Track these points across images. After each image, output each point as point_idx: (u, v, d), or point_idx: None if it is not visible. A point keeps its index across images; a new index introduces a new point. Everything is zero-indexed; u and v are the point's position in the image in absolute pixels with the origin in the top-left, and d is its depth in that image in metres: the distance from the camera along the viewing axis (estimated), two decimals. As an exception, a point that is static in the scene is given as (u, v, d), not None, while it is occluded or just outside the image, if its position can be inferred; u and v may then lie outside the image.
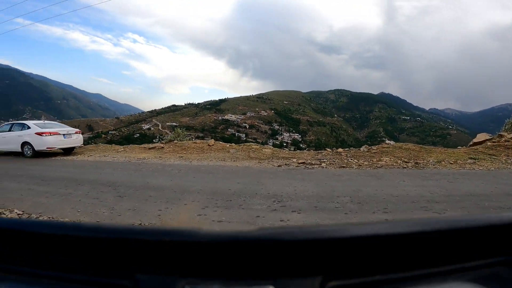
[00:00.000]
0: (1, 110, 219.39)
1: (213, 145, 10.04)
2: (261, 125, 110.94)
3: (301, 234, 0.42)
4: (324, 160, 7.18)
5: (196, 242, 0.41)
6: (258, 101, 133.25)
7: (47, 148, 8.64)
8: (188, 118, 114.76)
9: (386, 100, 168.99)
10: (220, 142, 10.59)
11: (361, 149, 8.27)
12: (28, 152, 8.72)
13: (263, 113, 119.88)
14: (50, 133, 8.69)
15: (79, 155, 9.37)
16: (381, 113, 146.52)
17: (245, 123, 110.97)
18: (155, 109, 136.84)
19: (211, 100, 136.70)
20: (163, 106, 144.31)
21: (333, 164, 6.78)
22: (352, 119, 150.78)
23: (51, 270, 0.45)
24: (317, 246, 0.41)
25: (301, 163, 6.94)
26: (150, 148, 10.48)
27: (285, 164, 6.87)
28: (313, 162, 6.97)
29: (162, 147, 10.38)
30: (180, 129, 12.36)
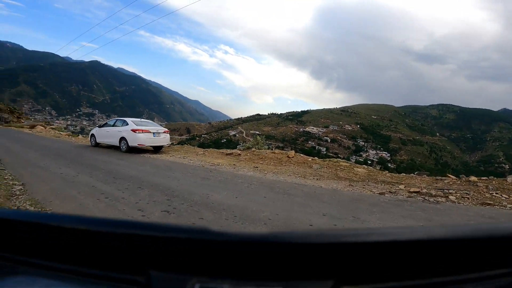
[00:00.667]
0: (128, 111, 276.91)
1: (293, 157, 8.84)
2: (344, 140, 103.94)
3: (314, 237, 0.41)
4: (451, 191, 5.04)
5: (210, 241, 0.41)
6: (343, 114, 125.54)
7: (138, 144, 9.19)
8: (270, 128, 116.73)
9: (510, 119, 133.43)
10: (301, 155, 9.30)
11: (509, 179, 5.70)
12: (123, 147, 9.47)
13: (347, 127, 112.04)
14: (142, 131, 9.23)
15: (163, 154, 9.69)
16: (502, 133, 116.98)
17: (326, 136, 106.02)
18: (241, 117, 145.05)
19: (293, 111, 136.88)
20: (248, 115, 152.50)
21: (467, 198, 4.68)
22: (460, 140, 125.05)
23: (66, 263, 0.46)
24: (329, 249, 0.40)
25: (415, 192, 5.02)
26: (227, 154, 10.10)
27: (390, 192, 5.08)
28: (434, 193, 4.94)
29: (239, 154, 9.82)
30: (260, 136, 11.63)
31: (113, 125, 10.28)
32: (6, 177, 4.57)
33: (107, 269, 0.44)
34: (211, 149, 11.52)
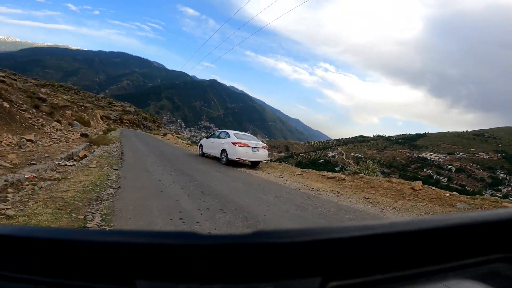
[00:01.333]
0: (237, 126, 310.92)
1: (420, 189, 6.65)
2: (476, 170, 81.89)
3: (299, 236, 0.42)
4: None
5: (195, 246, 0.41)
6: (476, 139, 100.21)
7: (236, 158, 9.08)
8: (375, 151, 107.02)
9: None
10: (433, 188, 6.92)
11: None
12: (223, 159, 9.58)
13: (483, 155, 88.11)
14: (242, 144, 9.09)
15: (260, 171, 9.26)
16: None
17: (450, 165, 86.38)
18: (341, 138, 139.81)
19: (405, 134, 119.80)
20: (350, 136, 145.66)
21: None
22: None
23: (50, 277, 0.44)
24: (315, 247, 0.41)
25: None
26: (329, 178, 8.74)
27: None
28: None
29: (343, 179, 8.29)
30: (372, 161, 9.70)
31: (218, 137, 10.65)
32: (110, 179, 4.83)
33: (92, 280, 0.42)
34: (309, 170, 10.40)
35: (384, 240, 0.43)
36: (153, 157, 9.04)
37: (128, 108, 56.81)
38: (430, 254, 0.44)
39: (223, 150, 9.63)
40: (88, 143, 10.82)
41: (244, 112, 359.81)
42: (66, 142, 10.52)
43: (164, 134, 31.51)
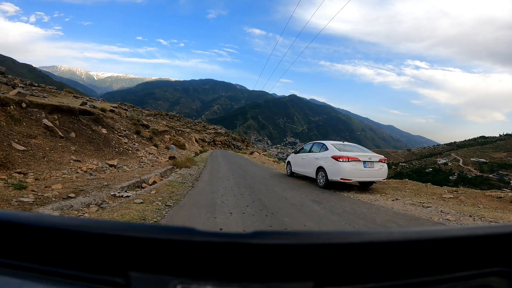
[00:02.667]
0: (322, 139, 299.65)
1: None
2: None
3: (295, 239, 0.42)
4: None
5: (191, 242, 0.41)
6: None
7: (341, 178, 6.38)
8: (505, 154, 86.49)
9: None
10: None
11: None
12: (320, 180, 7.04)
13: None
14: (348, 158, 6.37)
15: (378, 194, 6.25)
16: None
17: None
18: (454, 141, 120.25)
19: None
20: (467, 138, 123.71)
21: None
22: None
23: (43, 265, 0.44)
24: (310, 251, 0.41)
25: None
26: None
27: None
28: None
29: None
30: None
31: (310, 151, 8.23)
32: (170, 202, 4.09)
33: (85, 270, 0.43)
34: (464, 188, 6.66)
35: (380, 248, 0.43)
36: (232, 181, 7.33)
37: (219, 131, 61.21)
38: (425, 265, 0.44)
39: (320, 168, 7.12)
40: (172, 166, 10.18)
41: (328, 124, 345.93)
42: (152, 166, 10.12)
43: (251, 153, 31.17)
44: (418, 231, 0.47)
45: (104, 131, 12.24)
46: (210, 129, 62.13)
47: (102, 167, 8.16)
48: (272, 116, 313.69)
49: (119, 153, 10.88)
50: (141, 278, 0.40)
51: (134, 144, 13.77)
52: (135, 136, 16.66)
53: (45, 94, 18.71)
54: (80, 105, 17.77)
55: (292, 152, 10.13)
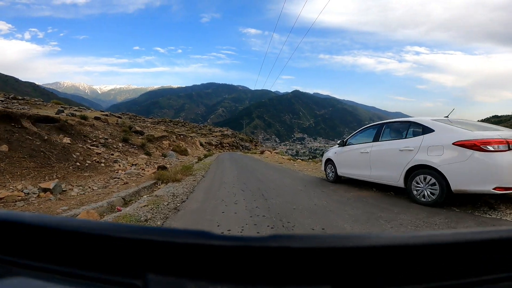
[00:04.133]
0: (330, 132, 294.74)
1: None
2: None
3: (312, 242, 0.41)
4: None
5: (207, 245, 0.41)
6: None
7: (497, 188, 2.89)
8: None
9: None
10: None
11: None
12: (425, 194, 3.57)
13: None
14: (509, 143, 2.89)
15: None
16: None
17: None
18: None
19: None
20: (479, 119, 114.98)
21: None
22: None
23: (64, 266, 0.45)
24: (327, 254, 0.40)
25: None
26: None
27: None
28: None
29: None
30: None
31: (377, 139, 4.79)
32: None
33: (104, 271, 0.44)
34: None
35: (398, 252, 0.42)
36: (242, 205, 3.96)
37: (226, 132, 58.51)
38: (448, 269, 0.43)
39: (416, 170, 3.73)
40: (155, 181, 6.84)
41: (335, 116, 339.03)
42: (125, 183, 6.79)
43: (262, 152, 27.67)
44: (441, 234, 0.44)
45: (66, 140, 9.02)
46: (216, 132, 59.56)
47: (27, 194, 4.88)
48: (278, 113, 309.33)
49: (79, 169, 7.60)
50: (158, 280, 0.40)
51: (112, 155, 10.50)
52: (120, 144, 13.44)
53: (27, 107, 15.87)
54: (56, 113, 14.79)
55: (336, 146, 6.61)
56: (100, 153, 9.62)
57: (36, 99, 23.18)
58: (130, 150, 13.49)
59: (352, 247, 0.41)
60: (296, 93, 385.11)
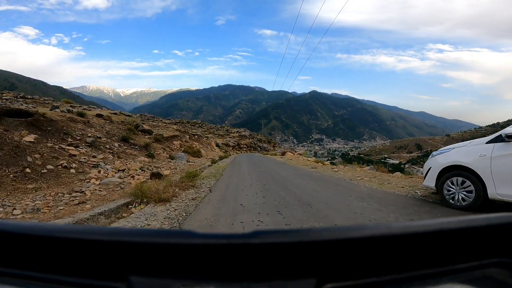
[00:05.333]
0: (349, 133, 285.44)
1: None
2: None
3: (295, 236, 0.42)
4: None
5: (190, 245, 0.41)
6: None
7: None
8: None
9: None
10: None
11: None
12: None
13: None
14: None
15: None
16: None
17: None
18: (498, 122, 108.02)
19: None
20: (510, 118, 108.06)
21: None
22: None
23: (43, 272, 0.44)
24: (311, 248, 0.41)
25: None
26: None
27: None
28: None
29: None
30: None
31: None
32: None
33: (86, 276, 0.43)
34: None
35: (381, 242, 0.42)
36: None
37: (243, 133, 56.36)
38: (426, 257, 0.44)
39: None
40: (128, 200, 4.19)
41: (354, 117, 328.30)
42: (81, 202, 4.19)
43: (283, 153, 24.68)
44: (418, 224, 0.45)
45: (29, 138, 6.62)
46: (233, 132, 57.47)
47: None
48: (295, 114, 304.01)
49: (26, 178, 5.09)
50: (142, 282, 0.40)
51: (94, 157, 8.03)
52: (115, 144, 11.06)
53: (32, 105, 14.15)
54: (50, 109, 12.80)
55: (471, 142, 3.72)
56: (75, 155, 7.15)
57: (46, 98, 21.82)
58: (127, 151, 11.08)
59: (334, 239, 0.41)
60: (313, 94, 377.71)
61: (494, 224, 0.46)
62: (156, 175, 6.94)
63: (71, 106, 18.07)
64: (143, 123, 21.21)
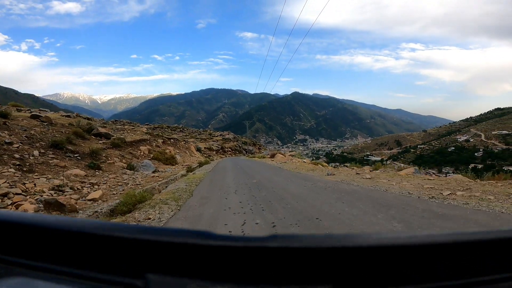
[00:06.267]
0: (332, 132, 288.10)
1: None
2: None
3: (313, 242, 0.41)
4: None
5: (206, 246, 0.41)
6: None
7: None
8: None
9: None
10: None
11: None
12: None
13: None
14: None
15: None
16: None
17: None
18: (471, 117, 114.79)
19: None
20: (481, 112, 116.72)
21: None
22: None
23: (63, 265, 0.45)
24: (329, 254, 0.40)
25: None
26: None
27: None
28: None
29: None
30: None
31: None
32: None
33: (104, 271, 0.43)
34: None
35: (400, 252, 0.42)
36: None
37: (227, 136, 53.24)
38: (449, 269, 0.43)
39: None
40: None
41: (336, 116, 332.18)
42: None
43: (272, 156, 21.49)
44: (443, 234, 0.44)
45: None
46: (216, 136, 53.97)
47: None
48: (278, 116, 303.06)
49: None
50: (159, 280, 0.40)
51: None
52: (35, 153, 7.47)
53: None
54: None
55: None
56: None
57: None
58: (53, 161, 7.49)
59: (352, 247, 0.41)
60: (295, 95, 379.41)
61: (505, 238, 0.45)
62: (54, 205, 3.55)
63: (17, 109, 14.36)
64: (104, 126, 17.29)
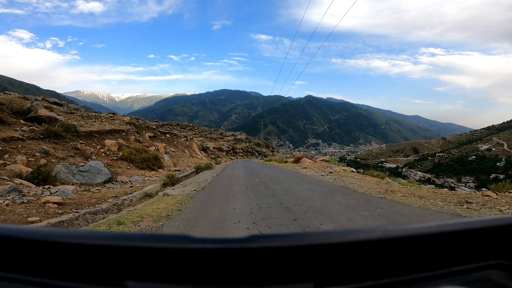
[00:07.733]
0: (345, 137, 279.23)
1: None
2: None
3: (292, 240, 0.42)
4: None
5: (186, 249, 0.41)
6: None
7: None
8: None
9: None
10: None
11: None
12: None
13: None
14: None
15: None
16: None
17: None
18: (493, 125, 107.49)
19: None
20: (504, 121, 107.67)
21: None
22: None
23: (40, 277, 0.44)
24: (308, 252, 0.41)
25: None
26: None
27: None
28: None
29: None
30: None
31: None
32: None
33: (82, 281, 0.42)
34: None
35: (377, 246, 0.42)
36: None
37: (239, 137, 49.72)
38: (423, 260, 0.44)
39: None
40: None
41: (350, 121, 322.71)
42: None
43: (296, 160, 16.31)
44: (414, 227, 0.45)
45: None
46: (228, 136, 49.90)
47: None
48: (291, 119, 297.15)
49: None
50: (139, 287, 0.39)
51: None
52: None
53: None
54: None
55: None
56: None
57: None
58: None
59: (331, 243, 0.41)
60: (309, 98, 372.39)
61: (490, 226, 0.46)
62: None
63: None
64: (71, 112, 12.64)
